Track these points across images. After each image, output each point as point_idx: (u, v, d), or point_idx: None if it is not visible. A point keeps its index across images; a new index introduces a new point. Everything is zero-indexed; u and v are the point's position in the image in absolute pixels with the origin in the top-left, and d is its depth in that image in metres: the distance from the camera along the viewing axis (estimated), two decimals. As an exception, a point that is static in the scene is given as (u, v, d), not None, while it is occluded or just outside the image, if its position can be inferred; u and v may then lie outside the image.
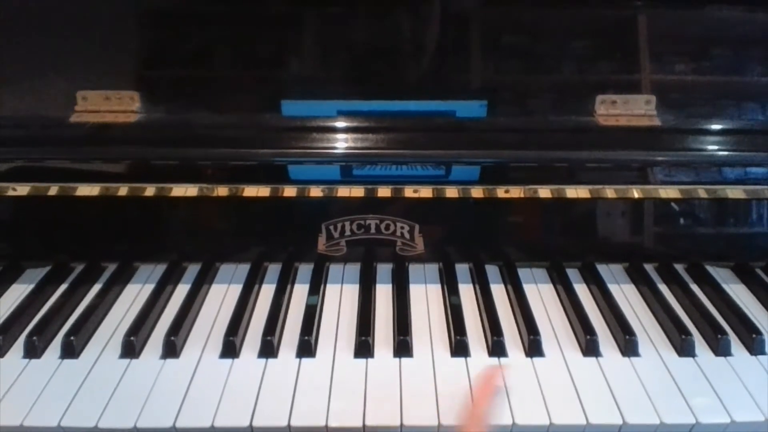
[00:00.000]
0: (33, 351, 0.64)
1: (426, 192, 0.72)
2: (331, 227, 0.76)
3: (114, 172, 0.71)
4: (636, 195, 0.73)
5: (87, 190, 0.71)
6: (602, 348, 0.65)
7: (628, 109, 0.70)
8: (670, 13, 0.71)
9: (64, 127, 0.69)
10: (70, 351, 0.64)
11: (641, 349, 0.65)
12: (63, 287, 0.74)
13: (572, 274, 0.77)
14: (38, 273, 0.77)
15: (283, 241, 0.79)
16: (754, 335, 0.65)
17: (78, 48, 0.69)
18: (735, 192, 0.73)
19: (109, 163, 0.70)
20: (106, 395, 0.58)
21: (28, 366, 0.62)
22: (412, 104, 0.71)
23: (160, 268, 0.78)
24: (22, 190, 0.71)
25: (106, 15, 0.69)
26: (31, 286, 0.74)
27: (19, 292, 0.74)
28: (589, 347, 0.64)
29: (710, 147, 0.69)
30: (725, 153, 0.69)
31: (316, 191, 0.73)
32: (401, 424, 0.55)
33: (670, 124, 0.70)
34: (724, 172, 0.71)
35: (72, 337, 0.64)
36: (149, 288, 0.74)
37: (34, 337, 0.64)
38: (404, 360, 0.63)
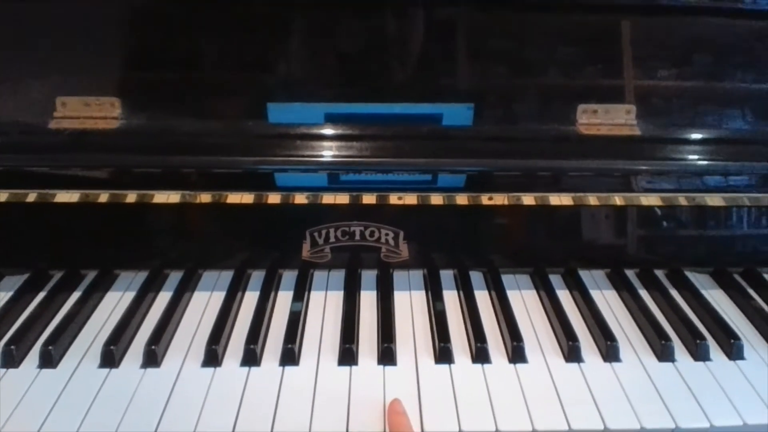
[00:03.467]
0: (11, 360, 0.63)
1: (411, 199, 0.73)
2: (316, 234, 0.76)
3: (94, 179, 0.70)
4: (617, 202, 0.74)
5: (66, 196, 0.70)
6: (584, 354, 0.65)
7: (609, 119, 0.71)
8: (651, 25, 0.72)
9: (43, 134, 0.67)
10: (49, 360, 0.63)
11: (622, 354, 0.65)
12: (42, 295, 0.73)
13: (555, 280, 0.78)
14: (16, 281, 0.76)
15: (266, 247, 0.78)
16: (732, 341, 0.66)
17: (57, 53, 0.68)
18: (714, 199, 0.74)
19: (89, 170, 0.69)
20: (85, 405, 0.57)
21: (6, 376, 0.61)
22: (399, 107, 0.71)
23: (141, 276, 0.77)
24: (-1, 196, 0.70)
25: (86, 19, 0.68)
26: (9, 294, 0.73)
27: (-4, 300, 0.72)
28: (572, 353, 0.65)
29: (689, 156, 0.70)
30: (704, 162, 0.70)
31: (300, 198, 0.72)
32: (385, 432, 0.55)
33: (650, 133, 0.71)
34: (703, 181, 0.73)
35: (50, 347, 0.63)
36: (130, 296, 0.73)
37: (12, 346, 0.63)
38: (388, 368, 0.63)
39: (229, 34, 0.70)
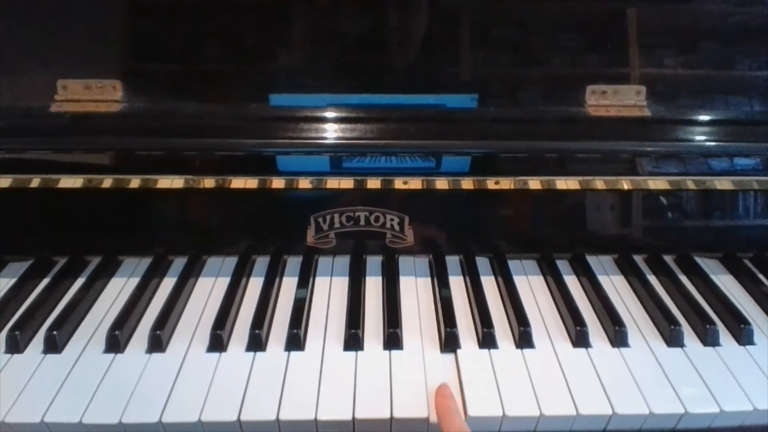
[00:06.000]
0: (15, 346, 0.63)
1: (416, 183, 0.72)
2: (320, 219, 0.75)
3: (97, 163, 0.69)
4: (625, 186, 0.73)
5: (69, 181, 0.69)
6: (592, 339, 0.65)
7: (618, 100, 0.70)
8: (660, 4, 0.71)
9: (44, 117, 0.67)
10: (53, 346, 0.62)
11: (631, 339, 0.65)
12: (46, 281, 0.73)
13: (562, 265, 0.77)
14: (20, 267, 0.76)
15: (271, 233, 0.78)
16: (742, 325, 0.65)
17: (58, 35, 0.68)
18: (723, 183, 0.73)
19: (92, 154, 0.69)
20: (91, 390, 0.57)
21: (11, 361, 0.61)
22: (403, 97, 0.70)
23: (145, 261, 0.76)
24: (3, 182, 0.69)
25: (87, 1, 0.67)
26: (13, 280, 0.73)
27: (0, 286, 0.72)
28: (579, 338, 0.64)
29: (699, 138, 0.69)
30: (714, 144, 0.69)
31: (304, 183, 0.72)
32: (391, 417, 0.55)
33: (660, 114, 0.70)
34: (712, 163, 0.72)
35: (55, 332, 0.63)
36: (134, 281, 0.73)
37: (17, 332, 0.63)
38: (394, 352, 0.62)
39: (233, 20, 0.69)
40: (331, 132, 0.68)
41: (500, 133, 0.68)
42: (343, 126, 0.68)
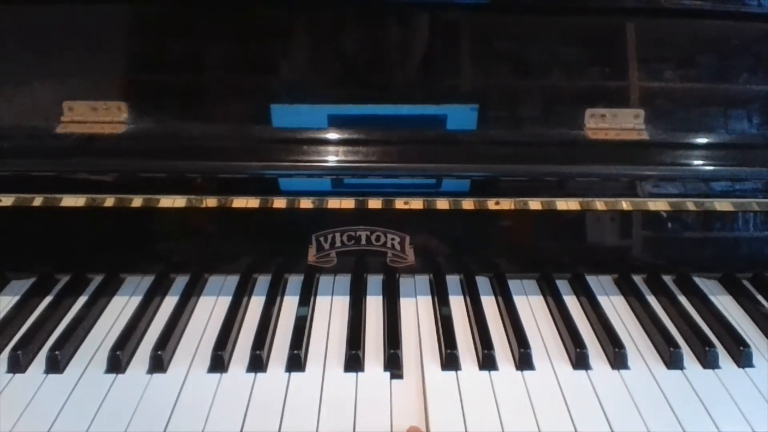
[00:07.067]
0: (17, 365, 0.63)
1: (416, 203, 0.72)
2: (322, 238, 0.76)
3: (100, 183, 0.70)
4: (625, 207, 0.73)
5: (72, 201, 0.70)
6: (592, 361, 0.65)
7: (616, 123, 0.71)
8: (658, 28, 0.72)
9: (50, 138, 0.68)
10: (55, 366, 0.62)
11: (630, 361, 0.65)
12: (48, 299, 0.73)
13: (562, 285, 0.78)
14: (23, 285, 0.76)
15: (272, 252, 0.78)
16: (741, 348, 0.65)
17: (64, 57, 0.69)
18: (722, 205, 0.73)
19: (96, 175, 0.69)
20: (92, 411, 0.57)
21: (12, 381, 0.61)
22: (402, 108, 0.71)
23: (147, 280, 0.77)
24: (6, 200, 0.70)
25: (93, 24, 0.69)
26: (16, 298, 0.73)
27: (3, 304, 0.73)
28: (579, 360, 0.64)
29: (698, 161, 0.70)
30: (713, 167, 0.70)
31: (306, 203, 0.72)
32: (391, 440, 0.55)
33: (658, 138, 0.71)
34: (711, 186, 0.72)
35: (57, 352, 0.63)
36: (136, 300, 0.73)
37: (19, 352, 0.63)
38: (394, 374, 0.62)
39: (234, 38, 0.70)
40: (333, 155, 0.69)
41: (500, 156, 0.69)
42: (345, 148, 0.69)
